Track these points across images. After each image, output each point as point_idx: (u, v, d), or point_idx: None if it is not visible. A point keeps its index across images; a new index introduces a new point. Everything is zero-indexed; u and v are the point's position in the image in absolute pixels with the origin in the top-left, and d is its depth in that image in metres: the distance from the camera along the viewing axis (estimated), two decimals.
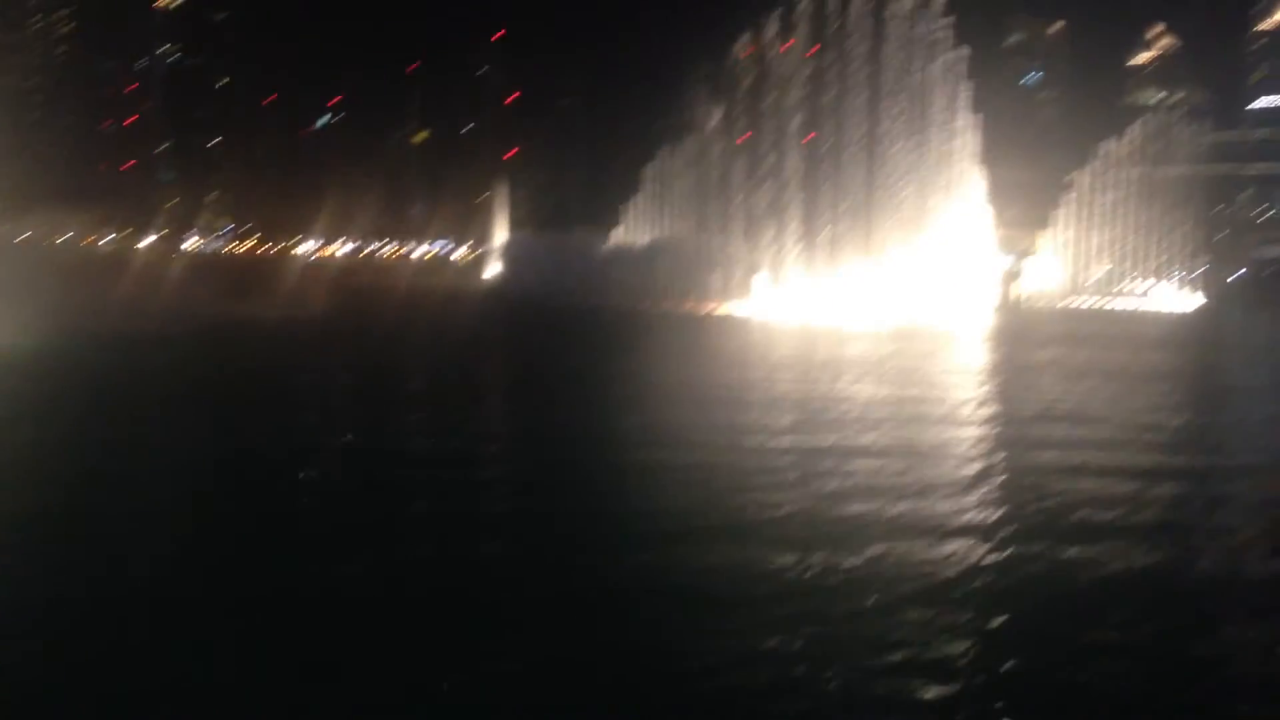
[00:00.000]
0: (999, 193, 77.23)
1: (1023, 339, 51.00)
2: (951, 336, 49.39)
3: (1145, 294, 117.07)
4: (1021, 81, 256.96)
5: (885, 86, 77.11)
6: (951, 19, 76.68)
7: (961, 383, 32.68)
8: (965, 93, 75.79)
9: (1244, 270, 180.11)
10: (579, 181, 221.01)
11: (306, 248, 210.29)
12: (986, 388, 32.16)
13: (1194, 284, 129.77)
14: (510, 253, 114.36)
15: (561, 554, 13.29)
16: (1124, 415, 26.59)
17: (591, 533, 14.30)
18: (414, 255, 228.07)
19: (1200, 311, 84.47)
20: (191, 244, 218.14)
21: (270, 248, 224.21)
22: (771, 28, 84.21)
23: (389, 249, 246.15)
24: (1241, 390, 34.75)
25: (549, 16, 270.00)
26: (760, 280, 72.02)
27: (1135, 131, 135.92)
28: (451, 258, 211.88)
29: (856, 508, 15.40)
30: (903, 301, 64.31)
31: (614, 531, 14.32)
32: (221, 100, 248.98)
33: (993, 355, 43.81)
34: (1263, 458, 21.40)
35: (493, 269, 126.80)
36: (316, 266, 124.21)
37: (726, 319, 58.84)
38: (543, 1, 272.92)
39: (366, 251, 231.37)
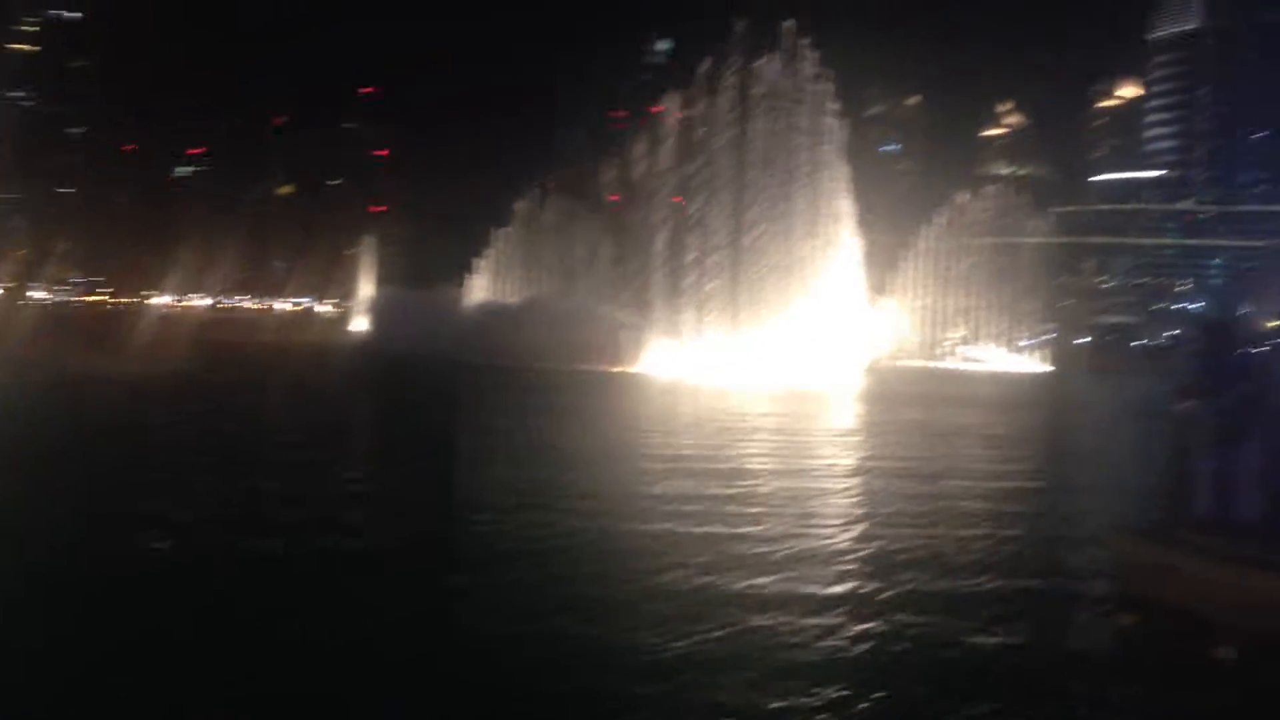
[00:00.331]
0: (865, 257, 79.49)
1: (888, 399, 52.27)
2: (824, 396, 50.45)
3: (994, 357, 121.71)
4: (882, 150, 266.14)
5: (755, 152, 78.84)
6: (821, 86, 79.00)
7: (834, 442, 33.32)
8: (834, 160, 77.88)
9: (1088, 337, 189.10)
10: (446, 239, 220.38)
11: (164, 300, 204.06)
12: (862, 447, 32.81)
13: (1042, 348, 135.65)
14: (377, 307, 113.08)
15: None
16: (983, 470, 27.48)
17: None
18: (277, 309, 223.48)
19: (1049, 375, 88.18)
20: (40, 295, 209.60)
21: (125, 300, 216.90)
22: (643, 94, 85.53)
23: (252, 303, 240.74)
24: (1088, 449, 36.25)
25: (423, 75, 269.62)
26: (634, 339, 72.42)
27: (973, 202, 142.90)
28: (316, 310, 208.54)
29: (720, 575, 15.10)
30: (777, 362, 65.64)
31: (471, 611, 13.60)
32: (78, 148, 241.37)
33: (864, 415, 44.81)
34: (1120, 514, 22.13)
35: (358, 323, 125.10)
36: (176, 319, 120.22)
37: (604, 376, 58.91)
38: (416, 60, 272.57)
39: (228, 305, 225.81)
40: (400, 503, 19.98)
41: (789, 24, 79.69)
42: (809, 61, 78.91)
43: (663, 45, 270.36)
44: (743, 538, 17.26)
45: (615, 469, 25.38)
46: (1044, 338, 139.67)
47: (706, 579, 14.36)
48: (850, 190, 78.11)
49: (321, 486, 21.26)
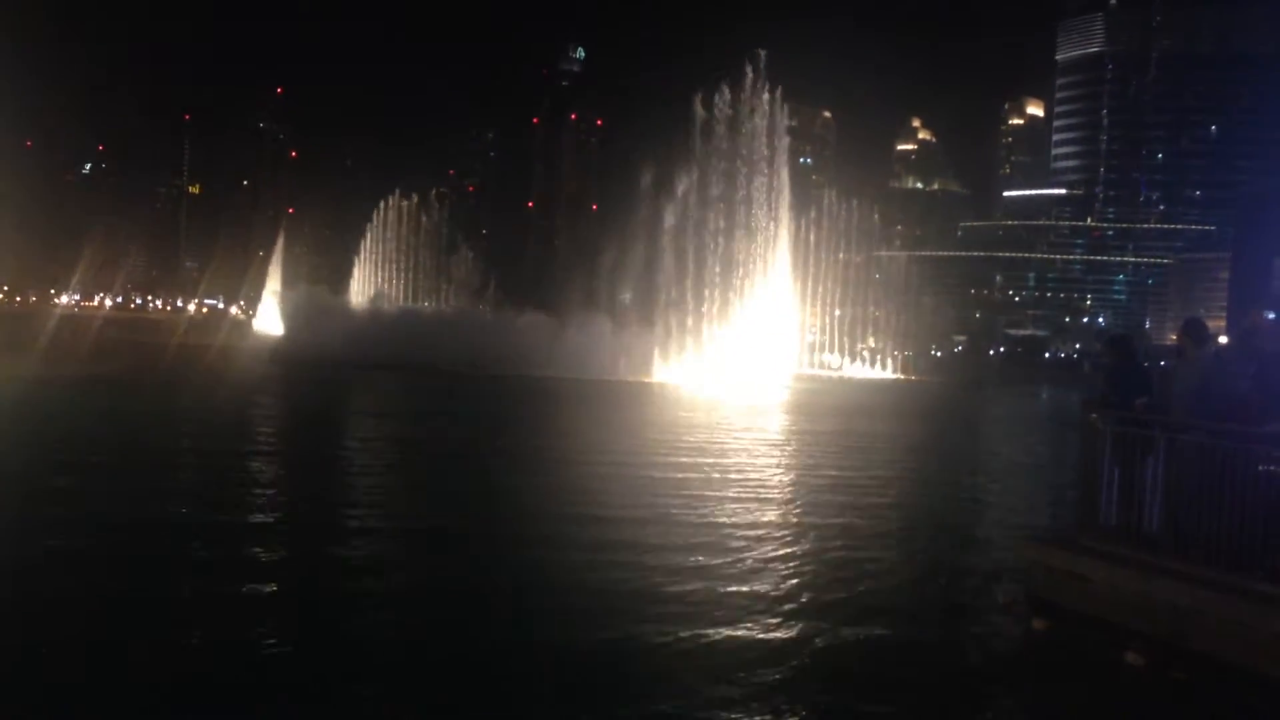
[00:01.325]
0: (786, 270, 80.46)
1: (809, 409, 52.60)
2: (753, 407, 50.68)
3: (905, 367, 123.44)
4: (798, 163, 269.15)
5: (671, 162, 79.61)
6: (732, 98, 79.87)
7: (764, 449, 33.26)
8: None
9: (1000, 347, 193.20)
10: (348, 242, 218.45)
11: (66, 300, 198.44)
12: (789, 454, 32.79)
13: (952, 359, 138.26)
14: (288, 309, 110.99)
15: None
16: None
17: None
18: (186, 309, 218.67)
19: (957, 385, 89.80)
20: None
21: (22, 299, 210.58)
22: (562, 97, 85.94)
23: (157, 303, 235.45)
24: (993, 458, 36.74)
25: (332, 77, 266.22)
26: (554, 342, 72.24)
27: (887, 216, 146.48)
28: (231, 312, 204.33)
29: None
30: (709, 372, 66.54)
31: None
32: None
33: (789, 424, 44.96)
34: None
35: (265, 324, 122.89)
36: (81, 321, 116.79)
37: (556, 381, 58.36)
38: (325, 62, 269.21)
39: (134, 306, 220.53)
40: None
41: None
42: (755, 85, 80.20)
43: (577, 54, 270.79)
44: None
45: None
46: (956, 349, 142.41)
47: None
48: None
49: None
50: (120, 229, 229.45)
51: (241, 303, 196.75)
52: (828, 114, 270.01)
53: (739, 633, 12.23)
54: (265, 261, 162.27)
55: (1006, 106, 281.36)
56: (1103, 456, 12.92)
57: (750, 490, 23.40)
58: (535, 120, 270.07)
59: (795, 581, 14.79)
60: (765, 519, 19.70)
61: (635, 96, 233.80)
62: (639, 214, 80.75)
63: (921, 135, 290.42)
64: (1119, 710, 10.86)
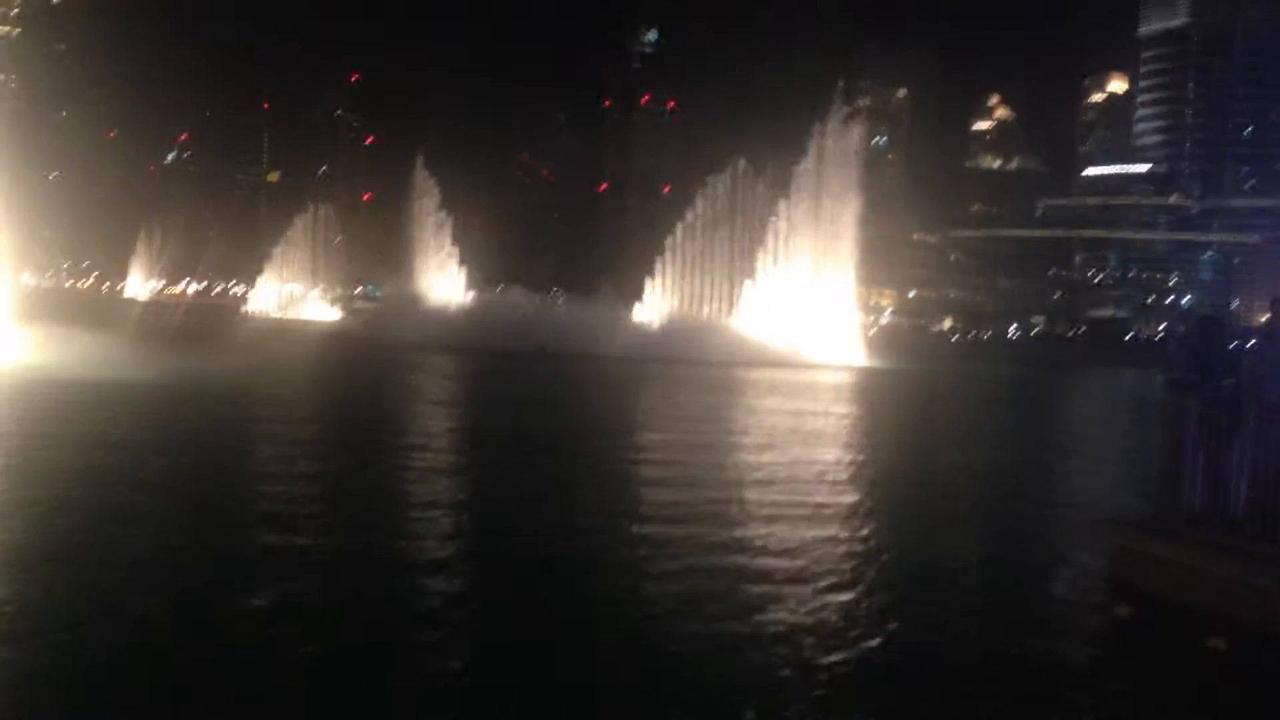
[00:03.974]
0: (851, 251, 79.45)
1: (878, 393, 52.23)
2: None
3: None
4: (872, 144, 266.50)
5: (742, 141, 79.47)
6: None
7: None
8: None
9: (1081, 328, 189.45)
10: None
11: (152, 286, 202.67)
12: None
13: (1029, 341, 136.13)
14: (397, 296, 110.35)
15: None
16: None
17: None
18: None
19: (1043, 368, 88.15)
20: (28, 281, 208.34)
21: (111, 285, 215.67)
22: (634, 79, 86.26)
23: (239, 289, 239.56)
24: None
25: (404, 62, 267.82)
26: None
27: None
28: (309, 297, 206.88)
29: None
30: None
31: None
32: (61, 134, 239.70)
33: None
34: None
35: (346, 310, 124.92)
36: (204, 309, 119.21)
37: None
38: (398, 48, 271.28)
39: (217, 290, 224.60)
40: None
41: None
42: None
43: (650, 34, 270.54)
44: None
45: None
46: (1034, 331, 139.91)
47: None
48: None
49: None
50: (200, 217, 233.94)
51: (321, 287, 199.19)
52: (902, 93, 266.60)
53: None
54: (342, 248, 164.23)
55: (1087, 82, 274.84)
56: (1187, 439, 12.69)
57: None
58: (607, 102, 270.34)
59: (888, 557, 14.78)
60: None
61: (708, 77, 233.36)
62: (710, 197, 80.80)
63: (999, 113, 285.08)
64: (1203, 696, 10.65)
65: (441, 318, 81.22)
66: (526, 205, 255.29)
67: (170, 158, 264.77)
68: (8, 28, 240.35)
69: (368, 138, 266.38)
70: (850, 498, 20.52)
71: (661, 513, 17.72)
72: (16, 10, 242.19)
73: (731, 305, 78.50)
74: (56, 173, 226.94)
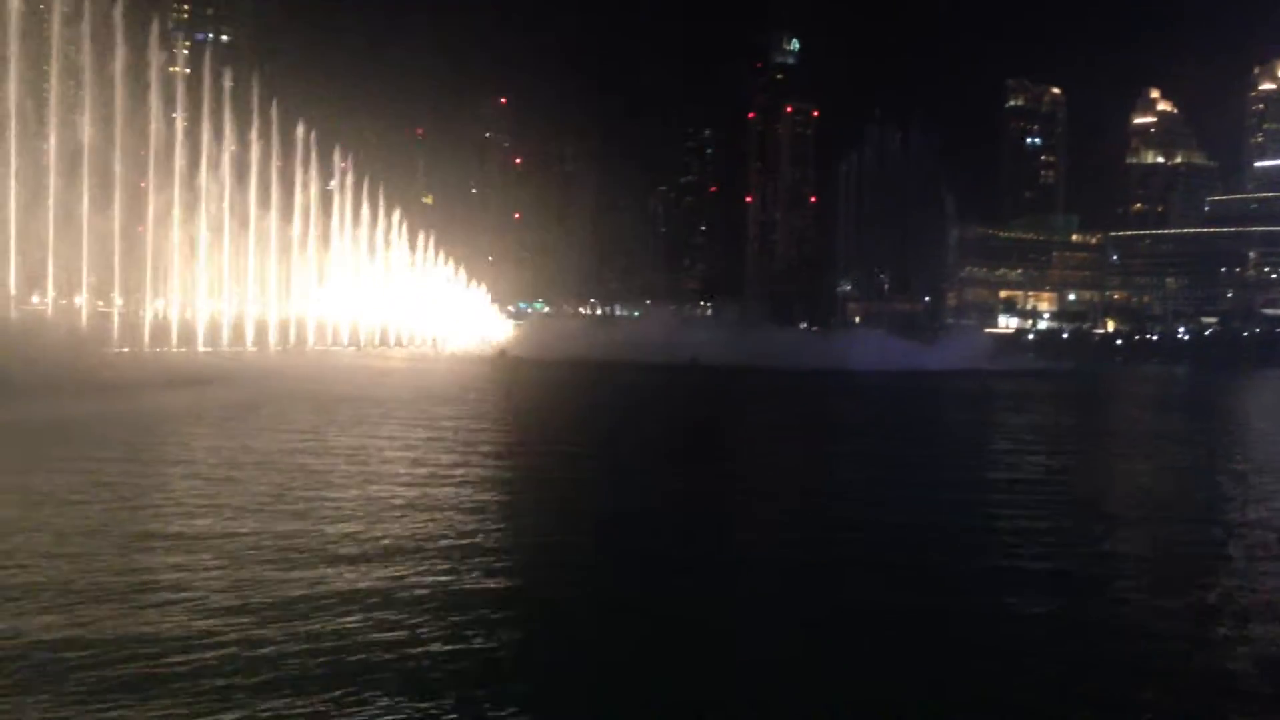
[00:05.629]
0: (1005, 253, 77.36)
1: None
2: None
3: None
4: (1026, 143, 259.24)
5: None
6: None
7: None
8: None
9: (1256, 327, 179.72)
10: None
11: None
12: None
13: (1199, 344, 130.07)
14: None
15: None
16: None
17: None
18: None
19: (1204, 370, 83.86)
20: None
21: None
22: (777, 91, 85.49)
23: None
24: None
25: (549, 82, 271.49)
26: None
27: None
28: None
29: None
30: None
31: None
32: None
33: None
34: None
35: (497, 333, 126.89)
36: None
37: None
38: (542, 69, 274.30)
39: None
40: None
41: None
42: None
43: (791, 45, 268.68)
44: None
45: None
46: (1208, 331, 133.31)
47: None
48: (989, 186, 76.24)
49: None
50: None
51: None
52: (1056, 90, 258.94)
53: None
54: (495, 267, 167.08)
55: (1256, 71, 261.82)
56: None
57: None
58: (750, 115, 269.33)
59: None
60: None
61: (851, 86, 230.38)
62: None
63: (1161, 107, 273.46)
64: None
65: (599, 334, 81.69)
66: (672, 219, 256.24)
67: (333, 183, 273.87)
68: (177, 67, 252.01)
69: (515, 159, 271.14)
70: None
71: None
72: (185, 49, 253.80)
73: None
74: None
